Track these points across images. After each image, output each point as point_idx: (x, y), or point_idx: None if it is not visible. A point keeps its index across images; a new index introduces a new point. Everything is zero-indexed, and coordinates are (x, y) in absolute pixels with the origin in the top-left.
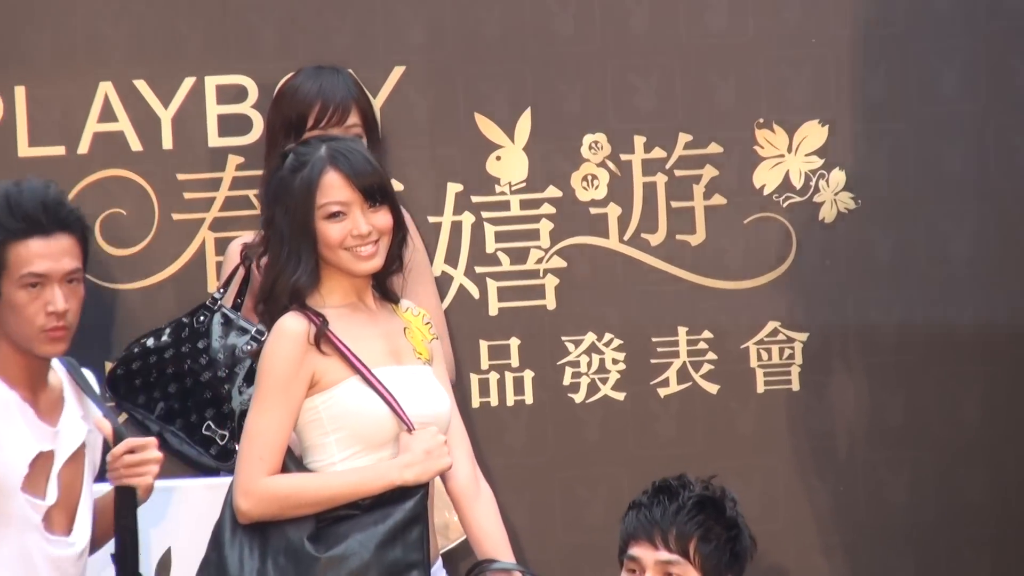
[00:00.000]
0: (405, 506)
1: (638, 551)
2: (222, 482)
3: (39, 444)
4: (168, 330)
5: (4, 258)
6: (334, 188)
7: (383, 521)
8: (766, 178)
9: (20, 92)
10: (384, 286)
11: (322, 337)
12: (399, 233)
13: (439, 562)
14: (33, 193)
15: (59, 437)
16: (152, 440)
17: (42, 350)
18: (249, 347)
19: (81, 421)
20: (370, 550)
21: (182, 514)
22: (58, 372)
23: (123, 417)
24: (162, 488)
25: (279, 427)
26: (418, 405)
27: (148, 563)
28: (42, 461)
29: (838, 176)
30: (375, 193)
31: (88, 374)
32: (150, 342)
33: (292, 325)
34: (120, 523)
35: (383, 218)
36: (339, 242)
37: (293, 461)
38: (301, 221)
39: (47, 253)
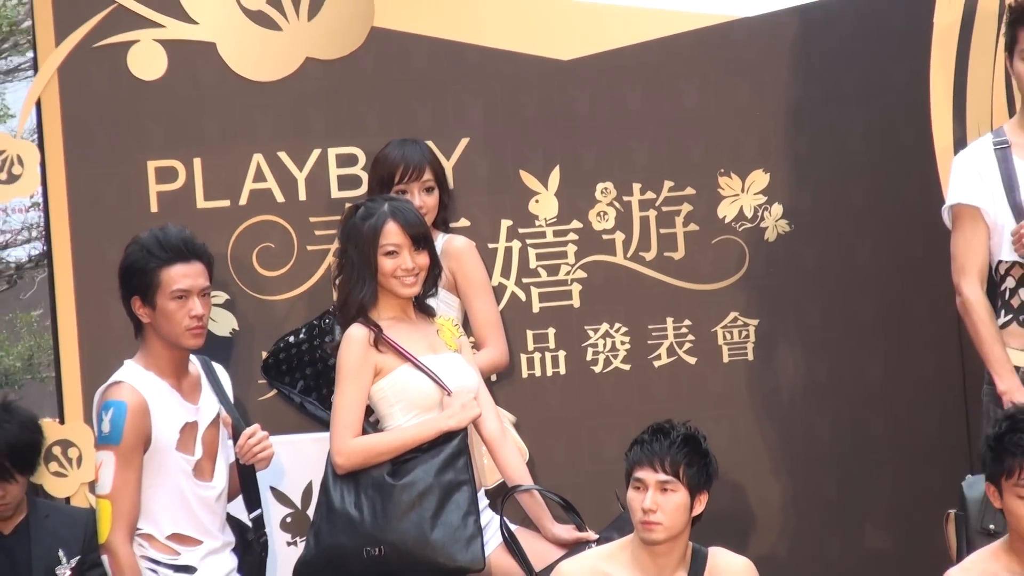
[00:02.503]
0: (452, 444)
1: (642, 474)
2: (327, 436)
3: (185, 417)
4: (304, 330)
5: (158, 279)
6: (392, 234)
7: (437, 455)
8: (726, 211)
9: (197, 162)
10: (423, 303)
11: (379, 340)
12: (435, 270)
13: (482, 491)
14: (175, 234)
15: (200, 412)
16: (258, 427)
17: (187, 344)
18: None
19: (215, 400)
20: (431, 475)
21: (315, 456)
22: (196, 365)
23: (273, 392)
24: (299, 440)
25: (356, 403)
26: (453, 379)
27: (268, 500)
28: (189, 429)
29: (777, 209)
30: (420, 240)
31: (220, 369)
32: (291, 339)
33: (357, 333)
34: (245, 485)
35: (424, 259)
36: (392, 272)
37: (371, 426)
38: (366, 255)
39: (188, 274)
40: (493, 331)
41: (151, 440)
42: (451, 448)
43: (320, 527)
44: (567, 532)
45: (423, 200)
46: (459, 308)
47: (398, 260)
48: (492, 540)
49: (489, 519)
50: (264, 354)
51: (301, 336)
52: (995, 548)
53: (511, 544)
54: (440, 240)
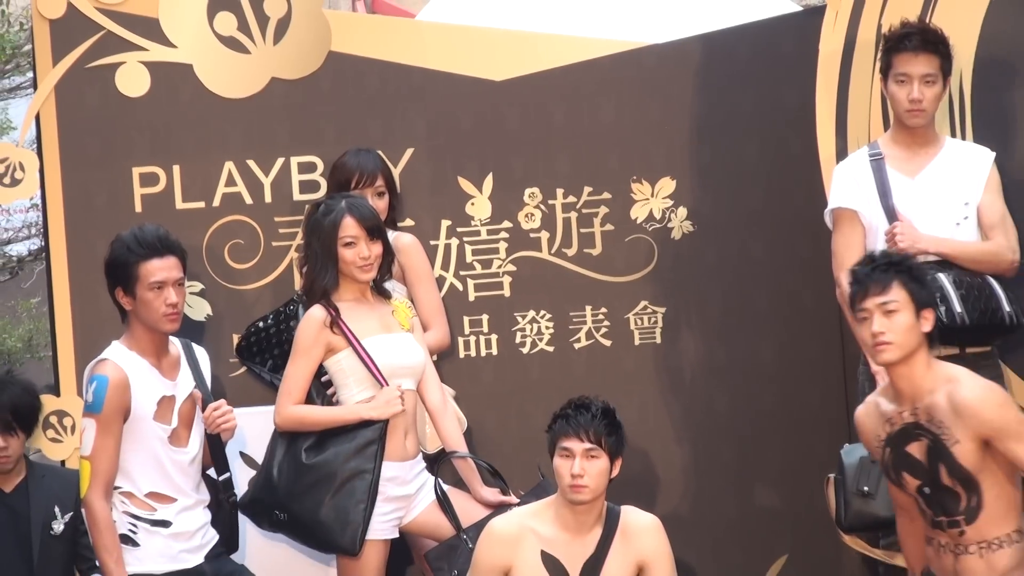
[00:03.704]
0: (368, 431)
1: (569, 443)
2: None
3: (163, 391)
4: (271, 315)
5: (137, 272)
6: (350, 226)
7: (352, 440)
8: (638, 213)
9: (176, 169)
10: (380, 287)
11: (334, 322)
12: (388, 257)
13: (419, 457)
14: (151, 232)
15: (177, 387)
16: (223, 401)
17: (164, 328)
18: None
19: (192, 377)
20: (340, 459)
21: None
22: (177, 346)
23: (244, 369)
24: (268, 411)
25: (302, 376)
26: (402, 357)
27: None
28: (166, 402)
29: (682, 211)
30: (374, 231)
31: (201, 351)
32: (261, 324)
33: (315, 314)
34: (214, 452)
35: (378, 248)
36: (351, 260)
37: (327, 399)
38: (328, 246)
39: (163, 267)
40: (436, 316)
41: (131, 411)
42: (366, 436)
43: (257, 477)
44: (493, 495)
45: (375, 203)
46: (406, 296)
47: (356, 249)
48: (427, 498)
49: (426, 479)
50: (236, 338)
51: (269, 321)
52: (883, 385)
53: (443, 502)
54: (390, 237)
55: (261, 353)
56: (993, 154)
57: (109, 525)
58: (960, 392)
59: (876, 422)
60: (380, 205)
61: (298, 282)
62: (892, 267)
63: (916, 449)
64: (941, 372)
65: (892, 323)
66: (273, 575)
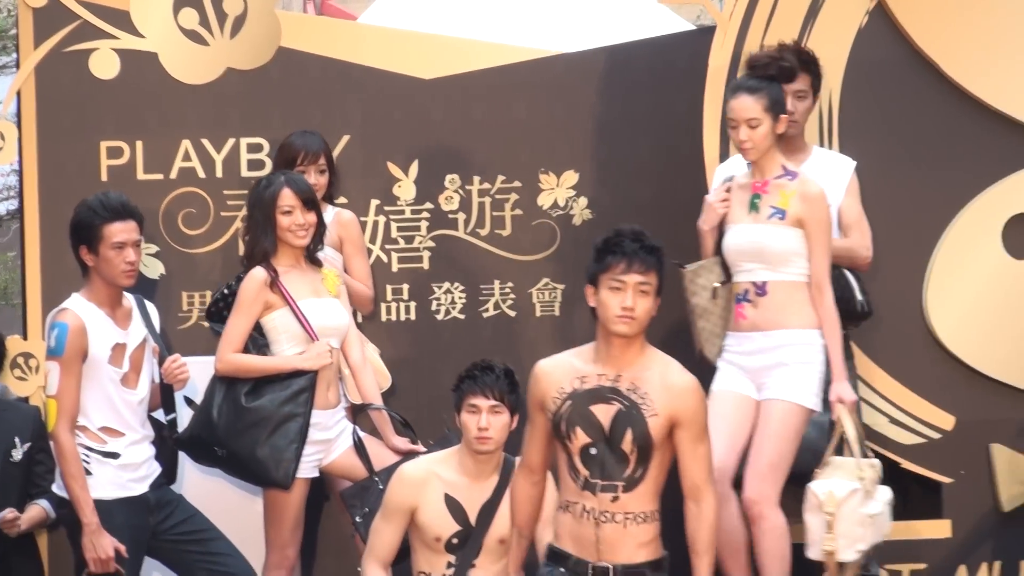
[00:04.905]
0: (300, 380)
1: (476, 400)
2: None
3: (116, 339)
4: (234, 282)
5: (100, 233)
6: (287, 197)
7: (286, 389)
8: (544, 200)
9: (139, 144)
10: (312, 256)
11: (274, 283)
12: (320, 228)
13: (340, 406)
14: (115, 198)
15: (129, 336)
16: (178, 356)
17: (122, 283)
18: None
19: (143, 328)
20: (275, 404)
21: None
22: (131, 301)
23: (191, 322)
24: (199, 360)
25: (242, 328)
26: (328, 319)
27: (183, 408)
28: (119, 348)
29: (583, 201)
30: (309, 203)
31: (152, 307)
32: (225, 290)
33: (257, 274)
34: (164, 397)
35: (312, 217)
36: (288, 227)
37: (256, 348)
38: (267, 214)
39: (124, 230)
40: (367, 281)
41: (87, 354)
42: (298, 384)
43: (196, 417)
44: (403, 443)
45: (317, 179)
46: (341, 263)
47: (292, 217)
48: (345, 443)
49: (345, 426)
50: (185, 295)
51: (233, 287)
52: (582, 347)
53: (359, 448)
54: (332, 212)
55: (220, 312)
56: (854, 163)
57: (75, 455)
58: (679, 375)
59: (564, 376)
60: (321, 181)
61: (242, 248)
62: (655, 252)
63: (601, 411)
64: (655, 353)
65: (642, 302)
66: (207, 504)
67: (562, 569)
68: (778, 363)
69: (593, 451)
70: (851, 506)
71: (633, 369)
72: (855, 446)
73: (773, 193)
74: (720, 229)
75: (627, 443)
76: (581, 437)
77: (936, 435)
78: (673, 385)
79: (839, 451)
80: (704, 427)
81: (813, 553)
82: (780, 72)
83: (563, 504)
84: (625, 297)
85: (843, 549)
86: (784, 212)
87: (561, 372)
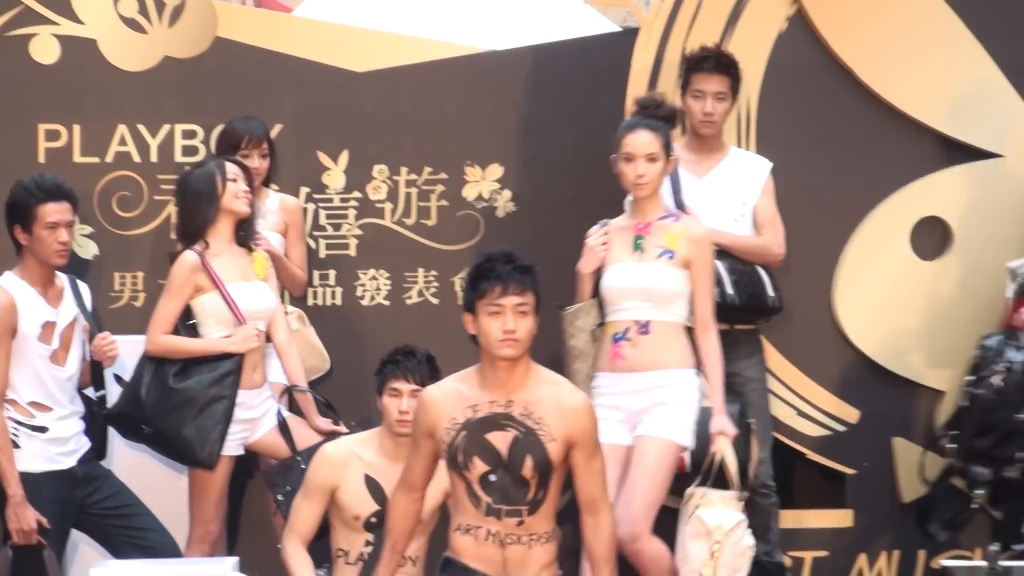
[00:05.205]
0: (227, 363)
1: (398, 384)
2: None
3: (46, 316)
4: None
5: (35, 213)
6: (232, 168)
7: (214, 371)
8: (469, 192)
9: (76, 128)
10: (242, 240)
11: (203, 266)
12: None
13: (266, 386)
14: (50, 179)
15: (59, 314)
16: (108, 334)
17: (55, 262)
18: None
19: (75, 307)
20: (203, 386)
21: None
22: (63, 280)
23: (123, 301)
24: (128, 339)
25: (172, 311)
26: (256, 303)
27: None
28: (49, 326)
29: (507, 193)
30: (246, 170)
31: (84, 286)
32: None
33: (188, 257)
34: (94, 373)
35: (246, 186)
36: (234, 195)
37: (186, 330)
38: (208, 192)
39: (58, 211)
40: (303, 266)
41: (17, 331)
42: (225, 367)
43: (125, 393)
44: (326, 424)
45: (260, 163)
46: (281, 244)
47: (238, 185)
48: (269, 423)
49: (270, 406)
50: (117, 275)
51: None
52: (466, 372)
53: (283, 428)
54: (276, 198)
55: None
56: (770, 164)
57: (3, 429)
58: (571, 396)
59: (454, 405)
60: (264, 165)
61: (174, 231)
62: (528, 271)
63: (498, 438)
64: (541, 373)
65: (523, 323)
66: (134, 479)
67: None
68: (657, 402)
69: (493, 478)
70: (735, 537)
71: (523, 393)
72: (735, 478)
73: (657, 234)
74: (597, 272)
75: (527, 469)
76: (479, 466)
77: (841, 428)
78: (566, 407)
79: (720, 482)
80: (597, 443)
81: None
82: (668, 114)
83: (462, 527)
84: (505, 320)
85: None
86: (673, 253)
87: (450, 401)
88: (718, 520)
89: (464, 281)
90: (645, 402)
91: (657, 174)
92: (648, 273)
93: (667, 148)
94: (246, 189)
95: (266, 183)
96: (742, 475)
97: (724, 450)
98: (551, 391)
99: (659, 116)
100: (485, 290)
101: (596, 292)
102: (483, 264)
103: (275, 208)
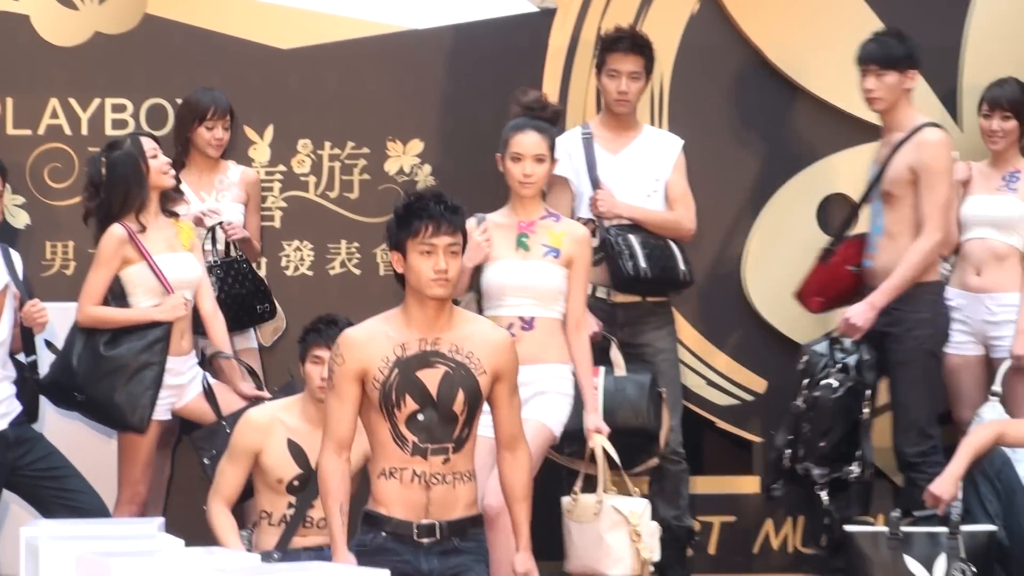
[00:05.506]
0: (156, 331)
1: (320, 352)
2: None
3: None
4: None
5: None
6: (151, 148)
7: (143, 339)
8: (391, 167)
9: (9, 101)
10: (169, 211)
11: (131, 239)
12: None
13: (192, 353)
14: None
15: None
16: (37, 301)
17: None
18: None
19: (6, 274)
20: (133, 353)
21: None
22: None
23: (54, 269)
24: (71, 306)
25: (100, 282)
26: (183, 272)
27: (44, 351)
28: None
29: (427, 168)
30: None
31: (15, 254)
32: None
33: (116, 231)
34: (25, 340)
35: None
36: (160, 171)
37: (117, 302)
38: (137, 176)
39: None
40: (258, 236)
41: None
42: (154, 335)
43: (56, 362)
44: (250, 389)
45: (223, 135)
46: (241, 215)
47: (159, 161)
48: (196, 389)
49: (196, 372)
50: (48, 244)
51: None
52: (387, 313)
53: (208, 393)
54: (239, 171)
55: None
56: (682, 141)
57: None
58: (496, 332)
59: (384, 344)
60: (226, 137)
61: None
62: (458, 211)
63: (428, 375)
64: (463, 313)
65: (454, 263)
66: (64, 442)
67: (383, 533)
68: (537, 392)
69: (420, 417)
70: (647, 518)
71: (449, 332)
72: (602, 475)
73: (541, 233)
74: (477, 267)
75: (458, 404)
76: (410, 404)
77: (749, 397)
78: (493, 341)
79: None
80: (516, 379)
81: (619, 570)
82: (552, 116)
83: (386, 471)
84: (438, 260)
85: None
86: (558, 252)
87: (379, 341)
88: (630, 507)
89: (392, 219)
90: (525, 394)
91: (543, 174)
92: (534, 271)
93: (552, 150)
94: (167, 160)
95: (226, 155)
96: (655, 442)
97: (603, 444)
98: (476, 328)
99: (544, 117)
100: (417, 229)
101: (473, 286)
102: (414, 203)
103: (236, 180)
